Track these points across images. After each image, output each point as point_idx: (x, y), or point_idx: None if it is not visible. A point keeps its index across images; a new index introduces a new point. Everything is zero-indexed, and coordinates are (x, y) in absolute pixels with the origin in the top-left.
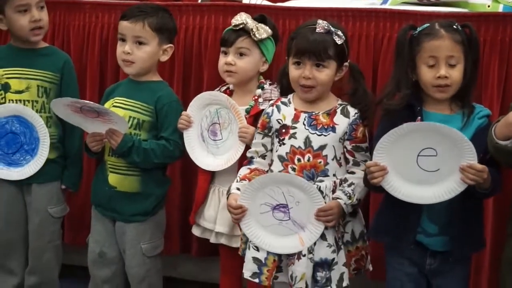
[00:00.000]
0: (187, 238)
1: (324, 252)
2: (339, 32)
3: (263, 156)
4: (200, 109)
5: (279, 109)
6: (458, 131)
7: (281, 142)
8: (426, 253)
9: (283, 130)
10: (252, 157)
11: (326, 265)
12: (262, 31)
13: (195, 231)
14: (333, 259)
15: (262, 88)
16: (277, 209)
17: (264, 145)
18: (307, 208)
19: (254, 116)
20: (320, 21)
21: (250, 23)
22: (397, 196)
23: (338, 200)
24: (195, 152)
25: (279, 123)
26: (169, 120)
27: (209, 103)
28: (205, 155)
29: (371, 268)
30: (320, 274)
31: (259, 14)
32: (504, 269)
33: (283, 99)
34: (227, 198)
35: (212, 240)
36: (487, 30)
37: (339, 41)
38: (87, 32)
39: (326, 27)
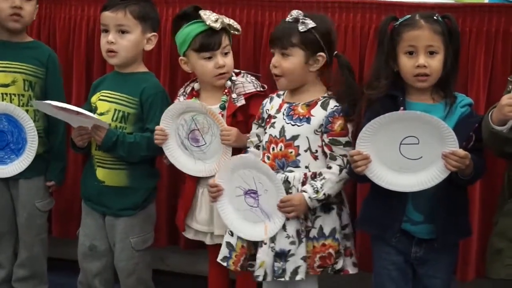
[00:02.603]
0: (175, 230)
1: (283, 242)
2: (307, 21)
3: (257, 146)
4: (174, 119)
5: (271, 100)
6: (439, 119)
7: (265, 132)
8: (412, 241)
9: (267, 120)
10: (248, 147)
11: (283, 255)
12: (235, 23)
13: (188, 235)
14: (290, 250)
15: (231, 80)
16: (249, 194)
17: (258, 135)
18: (274, 198)
19: (232, 115)
20: (294, 11)
21: (224, 20)
22: (381, 184)
23: (303, 193)
24: (180, 162)
25: (267, 113)
26: (154, 112)
27: (183, 112)
28: (193, 162)
29: (340, 267)
30: (277, 264)
31: (192, 5)
32: (489, 257)
33: (280, 92)
34: None
35: (208, 241)
36: (472, 20)
37: (302, 29)
38: (73, 25)
39: (295, 16)
